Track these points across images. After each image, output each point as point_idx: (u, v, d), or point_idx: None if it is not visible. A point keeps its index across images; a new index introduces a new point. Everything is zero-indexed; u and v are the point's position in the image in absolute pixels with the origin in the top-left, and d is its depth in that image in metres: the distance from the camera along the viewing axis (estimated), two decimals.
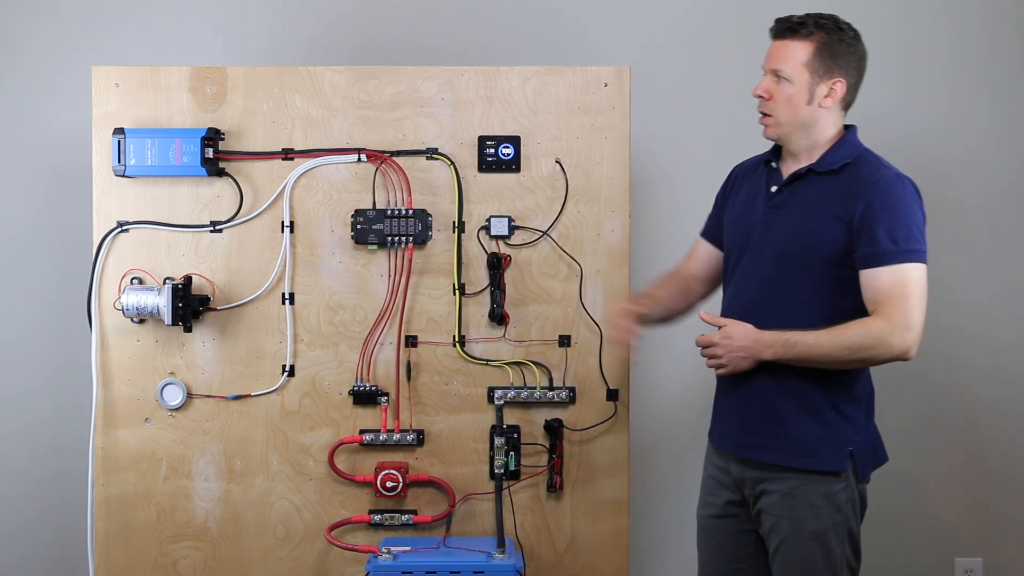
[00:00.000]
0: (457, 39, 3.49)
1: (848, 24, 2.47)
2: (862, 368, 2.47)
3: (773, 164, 2.57)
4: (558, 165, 2.88)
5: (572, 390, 2.89)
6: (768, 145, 2.61)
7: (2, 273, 3.48)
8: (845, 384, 2.47)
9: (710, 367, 2.49)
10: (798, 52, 2.43)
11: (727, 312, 2.56)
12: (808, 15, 2.46)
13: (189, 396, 2.88)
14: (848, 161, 2.45)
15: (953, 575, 3.58)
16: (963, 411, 3.58)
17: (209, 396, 2.88)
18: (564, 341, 2.90)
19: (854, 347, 2.35)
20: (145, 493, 2.89)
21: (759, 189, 2.57)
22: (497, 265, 2.85)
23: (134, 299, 2.78)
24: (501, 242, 2.89)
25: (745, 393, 2.52)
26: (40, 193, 3.47)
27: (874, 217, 2.37)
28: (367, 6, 3.52)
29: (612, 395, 2.90)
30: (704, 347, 2.47)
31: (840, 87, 2.44)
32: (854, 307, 2.41)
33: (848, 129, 2.52)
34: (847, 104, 2.49)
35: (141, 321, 2.86)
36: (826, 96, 2.44)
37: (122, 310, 2.80)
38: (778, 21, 2.48)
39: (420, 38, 3.49)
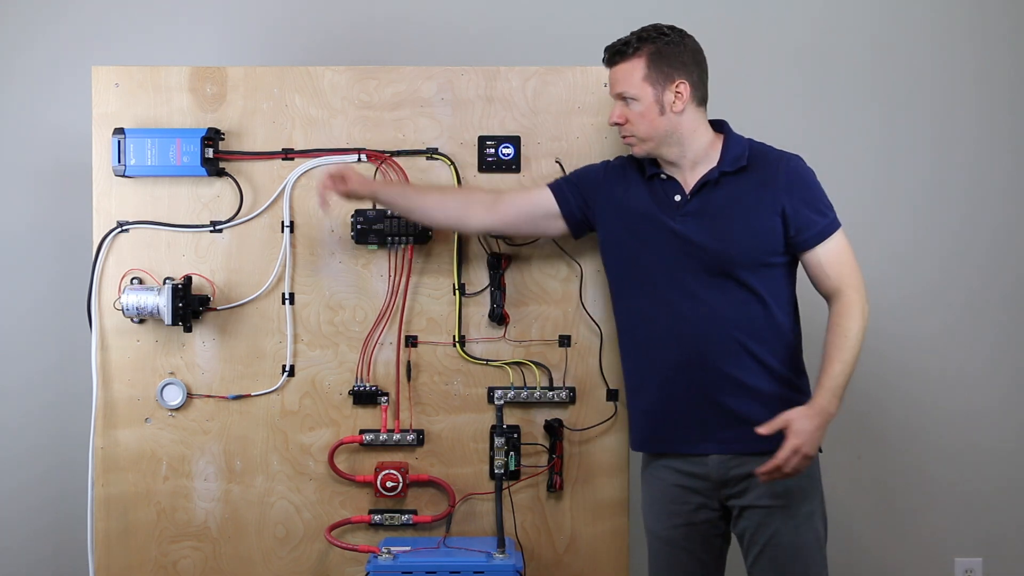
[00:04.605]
0: (457, 39, 3.49)
1: (671, 26, 2.56)
2: (799, 339, 2.57)
3: (663, 176, 2.58)
4: (558, 165, 2.88)
5: (572, 390, 2.89)
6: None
7: (2, 273, 3.48)
8: (795, 357, 2.56)
9: (797, 470, 2.37)
10: (633, 71, 2.51)
11: (663, 335, 2.54)
12: (631, 34, 2.54)
13: (189, 396, 2.88)
14: (747, 154, 2.54)
15: (953, 575, 3.58)
16: (963, 410, 3.58)
17: (209, 396, 2.88)
18: (564, 341, 2.90)
19: (861, 333, 2.46)
20: (145, 493, 2.89)
21: (660, 201, 2.56)
22: (497, 265, 2.85)
23: (134, 299, 2.78)
24: (501, 242, 2.89)
25: (704, 389, 2.51)
26: (40, 193, 3.48)
27: (801, 200, 2.49)
28: (367, 6, 3.53)
29: (612, 395, 2.90)
30: (782, 465, 2.35)
31: (684, 88, 2.50)
32: (791, 292, 2.55)
33: (723, 124, 2.59)
34: (701, 100, 2.55)
35: (141, 321, 2.86)
36: (675, 101, 2.50)
37: (122, 310, 2.80)
38: (605, 51, 2.56)
39: (420, 38, 3.50)
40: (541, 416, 2.90)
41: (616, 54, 2.54)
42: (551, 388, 2.88)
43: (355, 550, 2.79)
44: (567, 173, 2.78)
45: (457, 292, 2.88)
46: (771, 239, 2.49)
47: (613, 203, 2.64)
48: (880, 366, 3.50)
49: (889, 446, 3.57)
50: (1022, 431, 3.59)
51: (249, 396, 2.88)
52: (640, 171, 2.63)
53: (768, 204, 2.49)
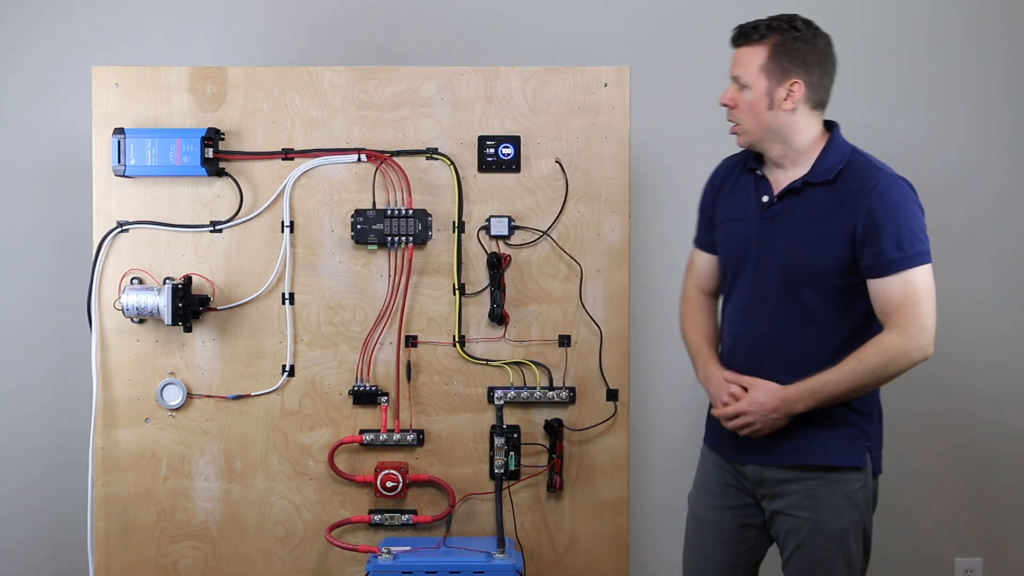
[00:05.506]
0: (457, 39, 3.49)
1: (807, 22, 2.41)
2: None
3: (759, 172, 2.50)
4: (558, 165, 2.88)
5: (572, 390, 2.89)
6: None
7: (2, 273, 3.48)
8: None
9: (745, 435, 2.43)
10: (754, 57, 2.39)
11: (733, 330, 2.52)
12: (763, 19, 2.41)
13: (189, 396, 2.88)
14: (841, 167, 2.40)
15: (953, 575, 3.58)
16: (963, 409, 3.58)
17: (209, 396, 2.88)
18: (564, 341, 2.90)
19: (877, 369, 2.36)
20: (145, 493, 2.89)
21: (749, 198, 2.50)
22: (497, 265, 2.85)
23: (134, 299, 2.79)
24: (501, 242, 2.89)
25: None
26: (40, 193, 3.47)
27: (876, 226, 2.33)
28: (367, 6, 3.52)
29: (612, 395, 2.90)
30: (731, 418, 2.42)
31: (799, 88, 2.38)
32: (863, 314, 2.41)
33: (831, 129, 2.47)
34: (817, 104, 2.42)
35: (141, 321, 2.86)
36: (785, 99, 2.38)
37: (122, 310, 2.81)
38: (735, 29, 2.44)
39: (420, 38, 3.50)
40: (541, 416, 2.90)
41: (742, 35, 2.41)
42: (551, 388, 2.89)
43: (355, 550, 2.79)
44: (697, 218, 2.66)
45: (457, 292, 2.88)
46: (837, 260, 2.37)
47: (721, 209, 2.58)
48: None
49: (888, 446, 3.56)
50: (1022, 431, 3.59)
51: (249, 396, 2.89)
52: (743, 163, 2.55)
53: (842, 223, 2.35)
